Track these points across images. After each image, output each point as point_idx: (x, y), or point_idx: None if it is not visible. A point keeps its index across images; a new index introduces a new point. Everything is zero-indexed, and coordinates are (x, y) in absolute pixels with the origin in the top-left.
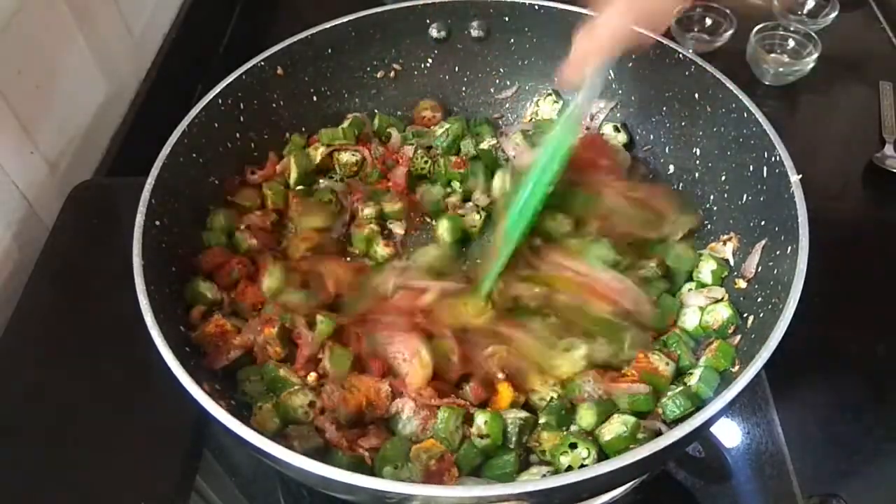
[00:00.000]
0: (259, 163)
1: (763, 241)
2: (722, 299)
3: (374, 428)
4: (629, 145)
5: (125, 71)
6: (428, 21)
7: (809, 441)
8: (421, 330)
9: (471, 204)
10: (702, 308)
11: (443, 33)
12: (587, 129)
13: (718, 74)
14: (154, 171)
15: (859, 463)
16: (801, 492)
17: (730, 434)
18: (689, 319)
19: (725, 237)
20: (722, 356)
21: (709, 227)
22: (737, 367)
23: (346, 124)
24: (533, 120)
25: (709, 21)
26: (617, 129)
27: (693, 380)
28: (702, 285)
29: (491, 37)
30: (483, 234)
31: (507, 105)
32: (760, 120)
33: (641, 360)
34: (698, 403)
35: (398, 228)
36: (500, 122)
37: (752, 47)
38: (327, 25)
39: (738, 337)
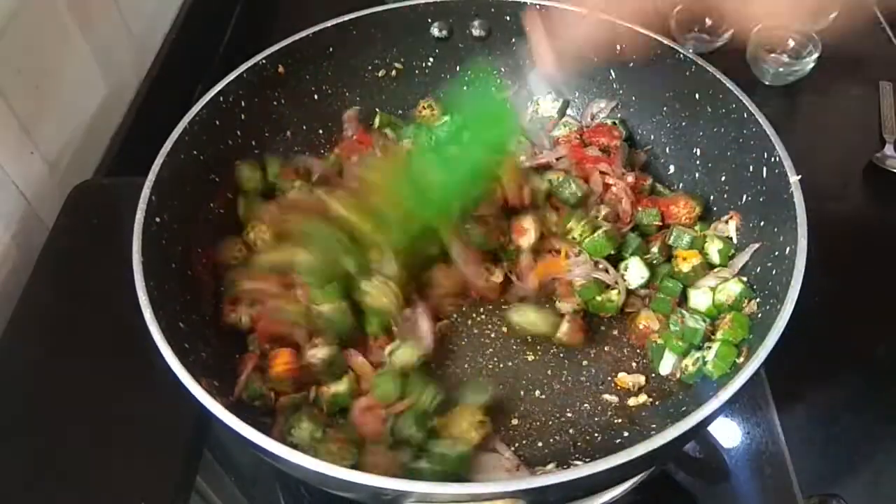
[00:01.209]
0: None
1: (757, 245)
2: (731, 277)
3: None
4: (629, 145)
5: (125, 71)
6: (429, 20)
7: (809, 441)
8: None
9: None
10: (712, 288)
11: (444, 32)
12: (586, 127)
13: (718, 74)
14: (155, 168)
15: (859, 463)
16: (801, 492)
17: (729, 434)
18: (701, 300)
19: (727, 216)
20: (738, 326)
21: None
22: (742, 359)
23: None
24: (532, 119)
25: (709, 21)
26: None
27: (710, 355)
28: (710, 266)
29: (492, 36)
30: None
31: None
32: (760, 120)
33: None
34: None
35: None
36: None
37: (752, 47)
38: (328, 24)
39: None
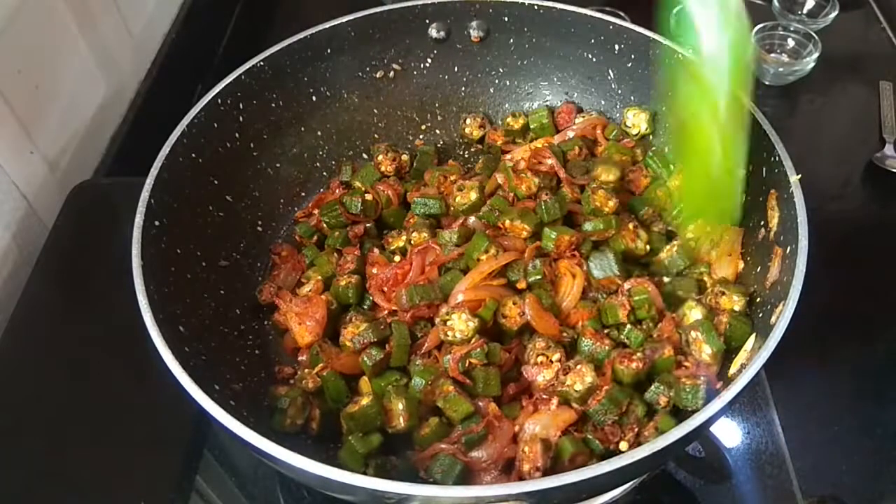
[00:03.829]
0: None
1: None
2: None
3: None
4: None
5: (125, 71)
6: (427, 21)
7: (809, 441)
8: None
9: None
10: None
11: (442, 33)
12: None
13: None
14: (153, 172)
15: (859, 463)
16: (801, 492)
17: (730, 434)
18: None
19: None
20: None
21: None
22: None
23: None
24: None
25: None
26: None
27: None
28: None
29: (490, 37)
30: None
31: (507, 105)
32: (760, 120)
33: None
34: None
35: None
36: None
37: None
38: (326, 25)
39: None
